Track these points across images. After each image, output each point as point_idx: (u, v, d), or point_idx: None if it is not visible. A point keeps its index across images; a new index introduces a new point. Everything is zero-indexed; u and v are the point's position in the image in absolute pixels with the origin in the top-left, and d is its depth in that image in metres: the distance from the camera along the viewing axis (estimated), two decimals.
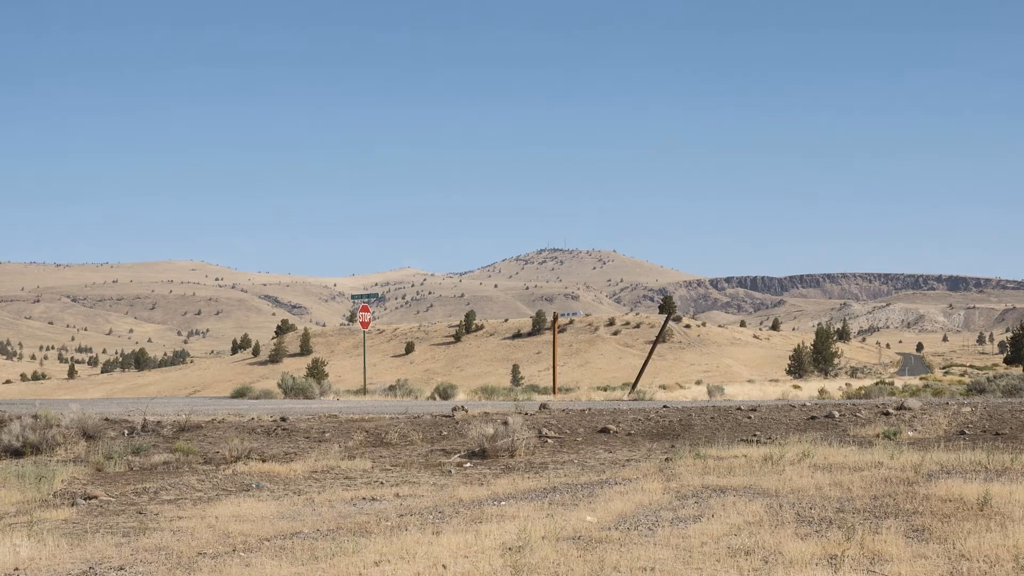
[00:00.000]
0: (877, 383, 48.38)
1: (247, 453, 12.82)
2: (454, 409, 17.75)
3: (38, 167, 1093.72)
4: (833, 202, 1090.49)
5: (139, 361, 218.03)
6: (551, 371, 35.47)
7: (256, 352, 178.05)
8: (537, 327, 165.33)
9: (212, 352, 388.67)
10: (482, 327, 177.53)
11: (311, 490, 10.51)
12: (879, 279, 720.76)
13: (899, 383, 49.54)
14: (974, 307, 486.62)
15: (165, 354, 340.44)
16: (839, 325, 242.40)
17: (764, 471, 10.33)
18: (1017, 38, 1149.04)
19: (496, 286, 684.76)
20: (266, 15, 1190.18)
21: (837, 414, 16.09)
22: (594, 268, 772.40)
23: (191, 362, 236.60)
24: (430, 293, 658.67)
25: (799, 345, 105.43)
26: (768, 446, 12.53)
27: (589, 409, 18.18)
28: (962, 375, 74.67)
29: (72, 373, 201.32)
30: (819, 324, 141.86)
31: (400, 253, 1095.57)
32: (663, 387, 48.89)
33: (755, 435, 14.36)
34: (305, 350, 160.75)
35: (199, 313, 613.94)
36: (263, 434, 14.83)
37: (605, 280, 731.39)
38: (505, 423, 13.73)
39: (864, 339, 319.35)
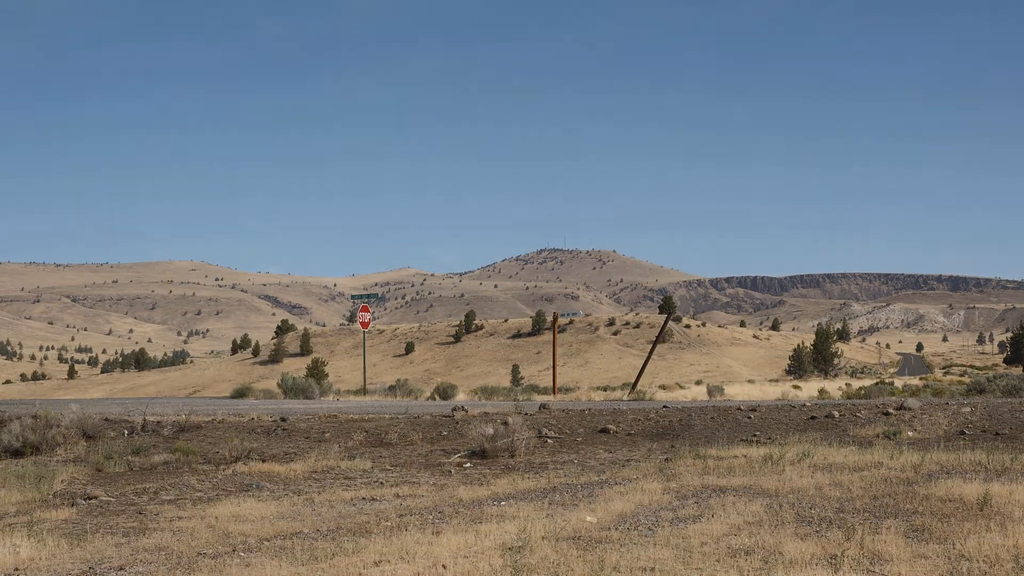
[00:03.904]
0: (877, 383, 48.38)
1: (247, 453, 12.82)
2: (454, 409, 17.75)
3: (38, 167, 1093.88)
4: (833, 202, 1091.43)
5: (139, 361, 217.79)
6: (551, 371, 35.46)
7: (256, 352, 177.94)
8: (537, 327, 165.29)
9: (212, 352, 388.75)
10: (482, 327, 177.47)
11: (311, 490, 10.51)
12: (879, 279, 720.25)
13: (899, 383, 49.54)
14: (974, 307, 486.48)
15: (165, 354, 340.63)
16: (839, 325, 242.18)
17: (764, 471, 10.32)
18: (1017, 37, 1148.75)
19: (496, 286, 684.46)
20: (270, 14, 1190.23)
21: (837, 414, 16.09)
22: (594, 268, 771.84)
23: (191, 362, 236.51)
24: (430, 293, 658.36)
25: (799, 345, 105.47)
26: (768, 446, 12.52)
27: (589, 409, 18.18)
28: (962, 375, 74.66)
29: (72, 373, 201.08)
30: (819, 324, 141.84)
31: (400, 253, 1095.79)
32: (663, 387, 48.86)
33: (755, 435, 14.35)
34: (305, 350, 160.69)
35: (199, 313, 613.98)
36: (263, 434, 14.83)
37: (605, 280, 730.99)
38: (505, 423, 13.73)
39: (864, 339, 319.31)
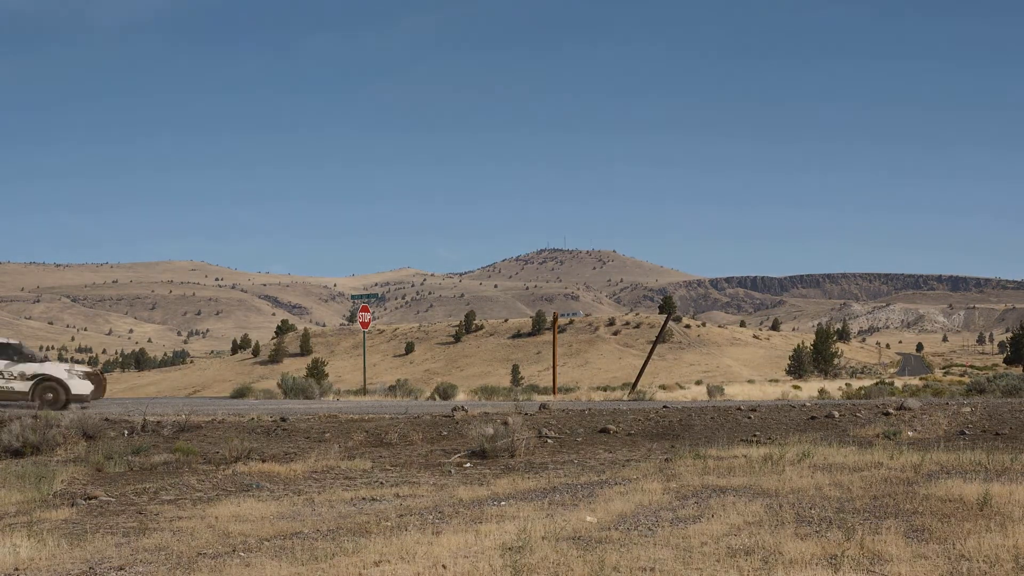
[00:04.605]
0: (877, 383, 48.37)
1: (247, 453, 12.82)
2: (454, 409, 17.76)
3: (38, 167, 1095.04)
4: (833, 202, 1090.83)
5: (139, 361, 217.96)
6: (551, 371, 35.48)
7: (256, 352, 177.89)
8: (537, 327, 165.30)
9: (212, 352, 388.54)
10: (482, 327, 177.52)
11: (311, 490, 10.51)
12: (879, 279, 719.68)
13: (899, 383, 49.55)
14: (974, 307, 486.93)
15: (165, 354, 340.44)
16: (839, 325, 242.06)
17: (764, 471, 10.32)
18: (1016, 38, 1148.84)
19: (496, 286, 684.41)
20: (272, 15, 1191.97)
21: (837, 414, 16.10)
22: (594, 268, 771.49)
23: (191, 362, 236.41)
24: (430, 293, 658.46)
25: (799, 345, 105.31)
26: (768, 446, 12.52)
27: (589, 409, 18.18)
28: (962, 375, 74.71)
29: None
30: (819, 324, 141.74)
31: (400, 253, 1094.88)
32: (663, 387, 48.84)
33: (755, 435, 14.36)
34: (305, 350, 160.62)
35: (199, 313, 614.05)
36: (263, 434, 14.83)
37: (605, 280, 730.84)
38: (505, 423, 13.74)
39: (864, 339, 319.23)
